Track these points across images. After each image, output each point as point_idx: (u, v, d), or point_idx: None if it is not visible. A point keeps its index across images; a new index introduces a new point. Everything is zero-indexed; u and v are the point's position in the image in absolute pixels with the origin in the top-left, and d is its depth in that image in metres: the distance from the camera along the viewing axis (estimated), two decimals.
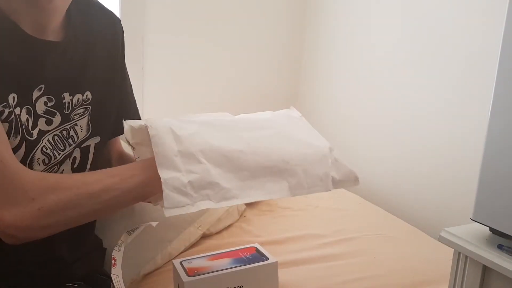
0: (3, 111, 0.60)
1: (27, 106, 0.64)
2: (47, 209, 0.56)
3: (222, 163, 0.62)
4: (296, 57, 2.28)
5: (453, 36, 1.43)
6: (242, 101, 2.23)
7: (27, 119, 0.64)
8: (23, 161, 0.64)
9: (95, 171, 0.65)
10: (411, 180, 1.62)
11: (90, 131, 0.75)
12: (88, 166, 0.78)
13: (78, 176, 0.64)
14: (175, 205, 0.58)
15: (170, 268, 0.95)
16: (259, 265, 0.77)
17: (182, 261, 0.78)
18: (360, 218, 1.25)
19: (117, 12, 1.83)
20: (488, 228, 0.66)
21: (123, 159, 0.89)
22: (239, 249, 0.83)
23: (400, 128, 1.67)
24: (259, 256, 0.80)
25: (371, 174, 1.83)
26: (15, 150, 0.63)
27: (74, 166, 0.73)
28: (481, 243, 0.65)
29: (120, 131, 0.84)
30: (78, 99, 0.72)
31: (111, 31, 0.79)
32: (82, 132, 0.74)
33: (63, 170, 0.72)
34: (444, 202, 1.48)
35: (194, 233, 1.03)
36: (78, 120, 0.72)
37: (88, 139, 0.75)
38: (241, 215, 1.28)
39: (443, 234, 0.69)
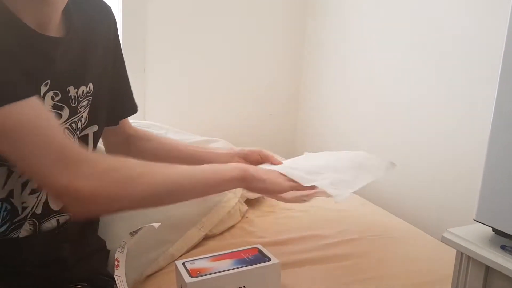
0: None
1: None
2: (106, 185, 0.58)
3: (333, 171, 0.88)
4: (298, 54, 2.28)
5: (456, 34, 1.43)
6: (245, 98, 2.23)
7: None
8: None
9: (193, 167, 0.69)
10: (414, 180, 1.62)
11: (87, 120, 0.76)
12: None
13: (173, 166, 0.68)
14: (340, 194, 0.79)
15: (173, 269, 0.95)
16: (261, 266, 0.77)
17: (184, 262, 0.78)
18: (363, 219, 1.25)
19: (118, 13, 1.84)
20: (491, 228, 0.66)
21: (134, 139, 0.93)
22: (242, 250, 0.83)
23: (403, 128, 1.67)
24: (262, 257, 0.80)
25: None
26: None
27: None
28: (484, 243, 0.65)
29: (127, 113, 0.91)
30: (83, 91, 0.73)
31: (106, 21, 0.81)
32: (83, 123, 0.75)
33: None
34: (447, 203, 1.47)
35: (196, 234, 1.03)
36: (84, 112, 0.74)
37: (86, 128, 0.76)
38: (243, 216, 1.28)
39: (446, 234, 0.69)
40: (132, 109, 0.93)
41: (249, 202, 1.34)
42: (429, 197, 1.55)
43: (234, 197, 1.23)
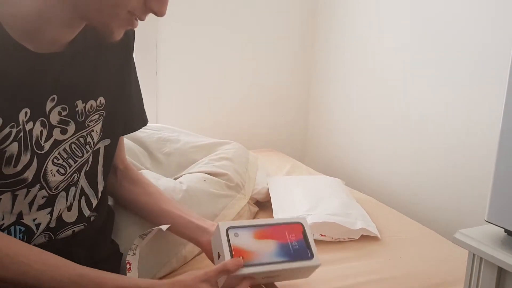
0: (10, 132, 0.61)
1: (41, 119, 0.65)
2: None
3: None
4: (309, 57, 2.29)
5: (465, 36, 1.42)
6: (256, 100, 2.24)
7: (41, 131, 0.65)
8: (37, 175, 0.66)
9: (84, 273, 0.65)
10: (425, 181, 1.61)
11: (101, 134, 0.76)
12: (100, 168, 0.79)
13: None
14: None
15: (185, 270, 0.97)
16: (303, 266, 0.75)
17: (229, 228, 0.73)
18: (374, 219, 1.25)
19: None
20: (503, 229, 0.66)
21: (121, 174, 0.91)
22: (286, 224, 0.78)
23: (414, 130, 1.66)
24: (305, 247, 0.76)
25: (385, 175, 1.82)
26: (27, 165, 0.64)
27: (86, 169, 0.75)
28: (496, 244, 0.65)
29: (136, 126, 0.89)
30: (92, 105, 0.73)
31: (123, 38, 0.78)
32: (97, 136, 0.75)
33: (82, 185, 0.75)
34: (459, 203, 1.46)
35: (194, 248, 1.03)
36: (94, 126, 0.74)
37: (99, 142, 0.76)
38: (254, 217, 1.29)
39: (457, 235, 0.68)
40: (144, 120, 0.92)
41: (259, 204, 1.35)
42: (440, 197, 1.54)
43: (244, 198, 1.24)
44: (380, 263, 1.05)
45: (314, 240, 1.11)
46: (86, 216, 0.79)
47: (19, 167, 0.63)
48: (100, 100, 0.73)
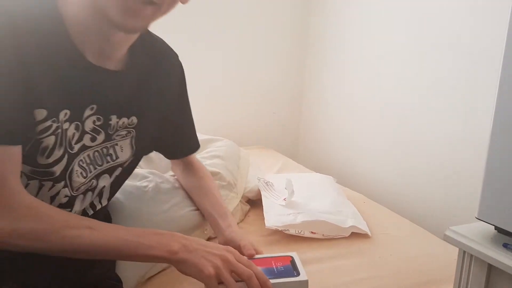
0: (51, 126, 0.66)
1: (76, 122, 0.70)
2: (21, 233, 0.61)
3: None
4: (301, 54, 2.29)
5: (459, 35, 1.43)
6: (249, 97, 2.23)
7: (74, 133, 0.70)
8: (64, 171, 0.70)
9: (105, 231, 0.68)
10: (416, 179, 1.62)
11: (133, 152, 0.81)
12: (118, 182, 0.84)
13: (88, 220, 0.67)
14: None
15: (174, 270, 0.96)
16: (286, 281, 0.74)
17: None
18: (365, 217, 1.25)
19: None
20: (493, 226, 0.66)
21: (187, 169, 1.01)
22: (275, 257, 0.80)
23: (405, 128, 1.67)
24: (291, 269, 0.77)
25: (376, 173, 1.83)
26: (58, 160, 0.69)
27: (111, 180, 0.80)
28: (486, 241, 0.65)
29: (188, 151, 1.00)
30: (123, 122, 0.77)
31: (169, 67, 0.87)
32: (123, 153, 0.79)
33: (103, 185, 0.78)
34: (449, 201, 1.47)
35: (200, 236, 1.03)
36: (119, 141, 0.78)
37: (119, 158, 0.80)
38: (245, 216, 1.28)
39: (448, 233, 0.69)
40: (193, 147, 1.01)
41: (251, 202, 1.35)
42: (431, 195, 1.55)
43: (236, 197, 1.24)
44: (370, 261, 1.06)
45: (305, 237, 1.12)
46: (89, 215, 0.79)
47: (51, 160, 0.68)
48: (132, 120, 0.78)
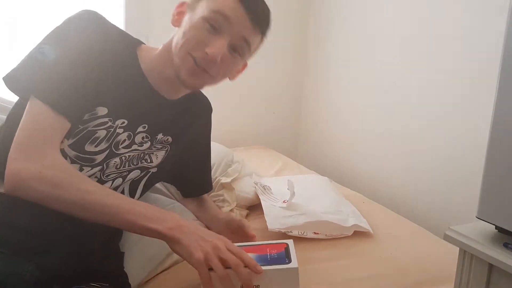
0: (107, 122, 0.80)
1: (129, 132, 0.84)
2: (43, 178, 0.68)
3: None
4: (302, 53, 2.28)
5: (458, 35, 1.43)
6: (247, 100, 2.23)
7: (125, 140, 0.83)
8: (104, 160, 0.80)
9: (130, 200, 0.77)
10: (417, 179, 1.62)
11: (159, 163, 0.92)
12: (141, 185, 0.92)
13: (103, 187, 0.75)
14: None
15: (175, 270, 0.96)
16: (277, 268, 0.76)
17: None
18: (365, 217, 1.25)
19: (121, 15, 1.84)
20: (494, 226, 0.66)
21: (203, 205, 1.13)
22: (270, 244, 0.82)
23: (405, 127, 1.67)
24: (284, 257, 0.78)
25: (375, 173, 1.83)
26: (103, 150, 0.80)
27: (132, 178, 0.88)
28: (486, 241, 0.65)
29: (201, 191, 1.13)
30: (168, 139, 0.92)
31: (203, 112, 1.04)
32: (156, 161, 0.91)
33: (131, 178, 0.87)
34: (450, 201, 1.48)
35: None
36: (156, 151, 0.90)
37: (151, 167, 0.91)
38: (246, 217, 1.28)
39: (448, 232, 0.69)
40: (207, 188, 1.14)
41: (249, 206, 1.35)
42: (432, 195, 1.55)
43: (229, 205, 1.26)
44: (372, 260, 1.06)
45: (308, 238, 1.12)
46: None
47: (97, 149, 0.80)
48: (169, 138, 0.92)
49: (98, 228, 0.73)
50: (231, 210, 1.26)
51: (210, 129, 1.08)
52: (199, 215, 1.12)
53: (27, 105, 0.73)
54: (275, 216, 1.18)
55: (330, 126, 2.16)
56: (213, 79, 0.84)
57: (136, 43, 0.88)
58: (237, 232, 0.98)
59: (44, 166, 0.69)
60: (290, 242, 0.83)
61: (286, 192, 1.27)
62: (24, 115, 0.73)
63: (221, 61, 0.81)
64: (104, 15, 0.83)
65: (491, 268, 0.65)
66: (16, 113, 0.77)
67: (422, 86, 1.58)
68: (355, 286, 0.94)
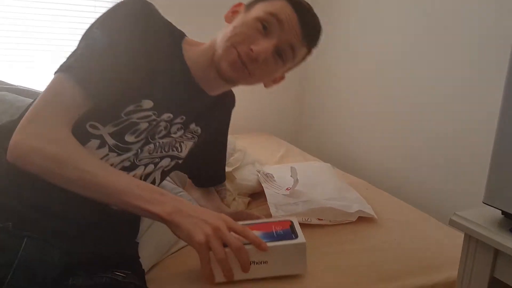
0: (150, 115, 0.80)
1: (167, 123, 0.84)
2: (44, 152, 0.68)
3: None
4: (299, 68, 2.26)
5: (464, 28, 1.41)
6: (250, 86, 2.22)
7: (161, 130, 0.84)
8: (139, 148, 0.81)
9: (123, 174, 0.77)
10: (420, 164, 1.61)
11: (181, 150, 0.92)
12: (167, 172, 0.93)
13: (105, 166, 0.74)
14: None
15: (180, 255, 0.96)
16: (284, 244, 0.76)
17: None
18: (369, 203, 1.24)
19: None
20: (500, 211, 0.66)
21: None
22: (275, 221, 0.82)
23: (409, 112, 1.66)
24: (290, 233, 0.78)
25: (378, 159, 1.83)
26: (140, 140, 0.81)
27: (163, 167, 0.89)
28: (492, 226, 0.65)
29: (213, 182, 1.14)
30: (198, 129, 0.92)
31: (230, 104, 1.07)
32: (184, 151, 0.92)
33: (162, 165, 0.87)
34: (454, 186, 1.47)
35: None
36: (185, 140, 0.91)
37: (176, 155, 0.91)
38: (247, 207, 1.28)
39: (453, 217, 0.68)
40: (219, 180, 1.15)
41: (252, 194, 1.35)
42: (437, 181, 1.54)
43: (231, 195, 1.25)
44: (376, 246, 1.06)
45: (312, 224, 1.12)
46: None
47: (137, 139, 0.80)
48: (198, 129, 0.92)
49: (125, 216, 0.73)
50: (233, 199, 1.25)
51: (229, 122, 1.11)
52: (203, 205, 1.12)
53: (53, 78, 0.74)
54: (278, 203, 1.17)
55: (333, 112, 2.14)
56: (249, 78, 0.85)
57: (182, 35, 0.88)
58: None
59: (49, 141, 0.68)
60: (294, 219, 0.83)
61: (289, 180, 1.26)
62: (45, 88, 0.73)
63: (263, 62, 0.82)
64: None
65: (497, 253, 0.64)
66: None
67: (431, 69, 1.56)
68: (360, 271, 0.94)
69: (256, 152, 1.64)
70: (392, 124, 1.74)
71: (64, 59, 0.76)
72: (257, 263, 0.76)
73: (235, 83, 0.88)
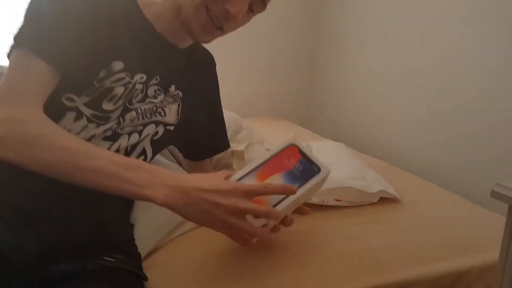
0: (124, 78, 0.76)
1: (143, 85, 0.79)
2: (16, 136, 0.61)
3: None
4: (313, 25, 2.21)
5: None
6: (260, 69, 2.16)
7: (138, 93, 0.79)
8: (119, 117, 0.76)
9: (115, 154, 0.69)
10: (442, 143, 1.51)
11: (177, 120, 0.87)
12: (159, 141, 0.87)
13: (84, 144, 0.66)
14: None
15: (179, 239, 0.89)
16: (315, 182, 0.71)
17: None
18: (389, 183, 1.15)
19: None
20: None
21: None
22: (279, 153, 0.74)
23: (426, 89, 1.56)
24: (309, 164, 0.73)
25: (394, 139, 1.73)
26: (119, 107, 0.76)
27: (151, 136, 0.83)
28: None
29: (218, 150, 1.05)
30: (178, 93, 0.87)
31: (207, 64, 0.98)
32: (170, 114, 0.85)
33: (147, 133, 0.81)
34: (478, 164, 1.37)
35: None
36: (168, 104, 0.85)
37: (170, 125, 0.86)
38: None
39: (496, 188, 0.59)
40: (221, 148, 1.05)
41: None
42: (459, 159, 1.44)
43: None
44: (399, 227, 0.97)
45: (328, 205, 1.03)
46: None
47: (115, 107, 0.75)
48: (178, 92, 0.87)
49: (108, 197, 0.65)
50: None
51: (218, 86, 1.01)
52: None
53: (11, 57, 0.67)
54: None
55: (345, 93, 2.05)
56: (222, 34, 0.80)
57: None
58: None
59: (17, 121, 0.62)
60: (292, 141, 0.77)
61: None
62: (7, 69, 0.66)
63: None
64: None
65: None
66: None
67: (447, 47, 1.46)
68: (384, 253, 0.85)
69: (266, 133, 1.56)
70: (409, 103, 1.65)
71: (15, 32, 0.68)
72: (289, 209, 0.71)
73: (208, 42, 0.83)
